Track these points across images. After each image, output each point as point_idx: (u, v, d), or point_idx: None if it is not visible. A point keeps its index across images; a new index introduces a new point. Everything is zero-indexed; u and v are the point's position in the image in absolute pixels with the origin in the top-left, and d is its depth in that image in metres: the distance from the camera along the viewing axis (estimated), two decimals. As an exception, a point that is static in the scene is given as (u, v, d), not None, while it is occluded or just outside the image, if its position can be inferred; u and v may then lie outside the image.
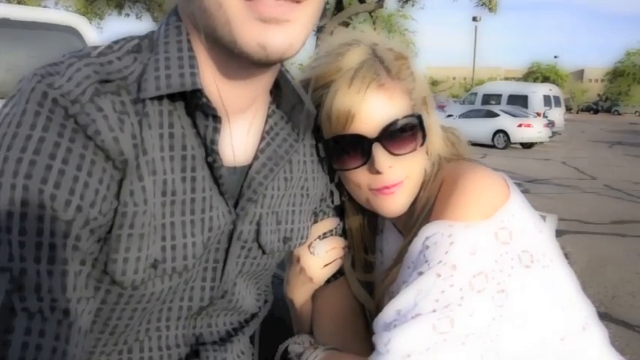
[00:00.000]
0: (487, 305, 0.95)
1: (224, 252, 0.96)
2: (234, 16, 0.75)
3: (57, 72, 0.76)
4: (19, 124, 0.72)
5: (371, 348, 0.99)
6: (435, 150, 1.15)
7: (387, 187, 1.09)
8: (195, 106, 0.84)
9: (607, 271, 5.78)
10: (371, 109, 1.05)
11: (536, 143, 20.89)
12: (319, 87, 1.08)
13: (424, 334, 0.92)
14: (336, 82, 1.06)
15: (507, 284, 0.97)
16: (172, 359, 0.98)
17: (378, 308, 1.07)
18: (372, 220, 1.28)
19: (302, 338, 1.24)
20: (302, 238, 1.11)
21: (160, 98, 0.82)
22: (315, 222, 1.19)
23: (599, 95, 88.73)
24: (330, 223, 1.22)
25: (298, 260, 1.20)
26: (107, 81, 0.78)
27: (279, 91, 1.00)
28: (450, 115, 22.55)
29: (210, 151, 0.86)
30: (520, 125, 20.08)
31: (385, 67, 1.07)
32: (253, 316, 1.13)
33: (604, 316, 4.43)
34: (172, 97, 0.83)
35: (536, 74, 75.80)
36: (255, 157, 0.95)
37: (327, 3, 14.58)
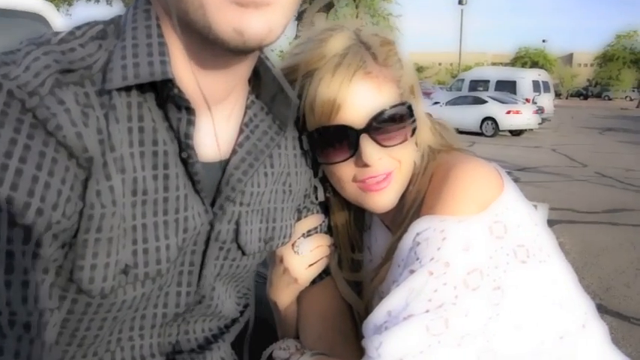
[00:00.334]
0: (483, 304, 0.94)
1: (201, 254, 0.93)
2: None
3: (13, 61, 0.72)
4: None
5: (360, 352, 0.98)
6: (424, 141, 1.14)
7: (376, 182, 1.07)
8: (167, 97, 0.80)
9: (601, 261, 5.85)
10: (357, 98, 1.03)
11: (525, 130, 21.07)
12: (302, 75, 1.06)
13: (417, 336, 0.91)
14: (319, 70, 1.03)
15: (503, 281, 0.96)
16: None
17: (368, 309, 1.06)
18: (359, 216, 1.26)
19: (287, 343, 1.22)
20: (285, 237, 1.09)
21: (127, 89, 0.79)
22: (299, 219, 1.17)
23: (588, 80, 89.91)
24: (314, 220, 1.20)
25: (281, 260, 1.18)
26: (69, 71, 0.74)
27: (259, 80, 0.97)
28: (436, 103, 22.64)
29: (184, 146, 0.83)
30: (509, 112, 20.23)
31: (372, 53, 1.06)
32: (234, 321, 1.11)
33: (599, 308, 4.40)
34: (142, 88, 0.80)
35: (525, 59, 76.51)
36: (234, 152, 0.92)
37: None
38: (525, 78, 26.20)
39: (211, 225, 0.92)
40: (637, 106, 51.78)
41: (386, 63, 1.06)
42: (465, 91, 25.72)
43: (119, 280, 0.80)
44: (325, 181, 1.18)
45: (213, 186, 0.91)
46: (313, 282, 1.22)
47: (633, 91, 75.64)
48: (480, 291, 0.93)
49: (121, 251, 0.80)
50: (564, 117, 31.76)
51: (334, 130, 1.05)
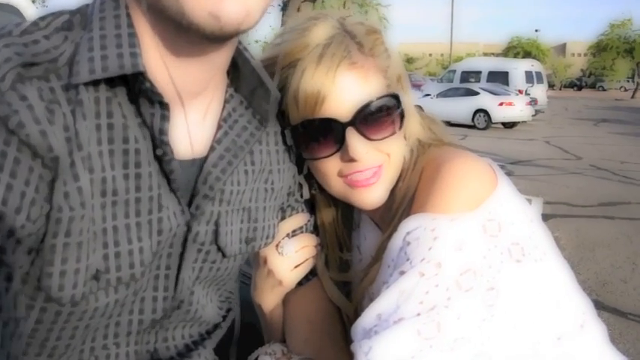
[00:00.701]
0: (476, 305, 0.93)
1: (178, 257, 0.91)
2: None
3: None
4: None
5: (349, 356, 0.96)
6: (413, 134, 1.13)
7: (364, 177, 1.06)
8: (139, 91, 0.78)
9: (597, 256, 5.89)
10: (343, 90, 1.01)
11: (518, 122, 21.21)
12: (284, 66, 1.04)
13: (408, 340, 0.89)
14: (302, 61, 1.02)
15: (497, 281, 0.94)
16: None
17: (358, 311, 1.04)
18: (347, 213, 1.25)
19: (273, 347, 1.21)
20: (267, 238, 1.07)
21: (95, 84, 0.76)
22: (283, 219, 1.16)
23: (582, 70, 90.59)
24: (299, 219, 1.18)
25: (265, 262, 1.16)
26: (32, 64, 0.72)
27: (238, 71, 0.95)
28: (427, 95, 22.75)
29: (158, 143, 0.80)
30: (501, 104, 20.35)
31: (357, 42, 1.04)
32: (216, 326, 1.09)
33: (595, 304, 4.43)
34: (111, 82, 0.77)
35: (517, 49, 76.83)
36: (211, 149, 0.90)
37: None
38: (518, 69, 26.37)
39: (188, 226, 0.90)
40: (632, 97, 52.25)
41: (372, 53, 1.05)
42: (456, 83, 25.85)
43: (90, 286, 0.79)
44: (310, 178, 1.16)
45: (190, 185, 0.89)
46: (299, 284, 1.20)
47: (628, 81, 76.36)
48: (473, 292, 0.92)
49: (92, 256, 0.77)
50: (558, 108, 32.00)
51: (319, 123, 1.03)
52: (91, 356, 0.90)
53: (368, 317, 0.95)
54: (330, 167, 1.07)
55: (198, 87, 0.86)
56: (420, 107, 1.19)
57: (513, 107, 20.52)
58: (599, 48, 69.14)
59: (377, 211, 1.13)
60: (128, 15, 0.78)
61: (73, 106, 0.74)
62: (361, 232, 1.25)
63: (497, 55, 78.27)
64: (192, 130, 0.88)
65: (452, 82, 26.67)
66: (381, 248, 1.06)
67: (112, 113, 0.78)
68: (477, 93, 21.16)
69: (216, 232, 0.94)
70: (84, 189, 0.75)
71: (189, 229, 0.90)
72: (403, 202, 1.07)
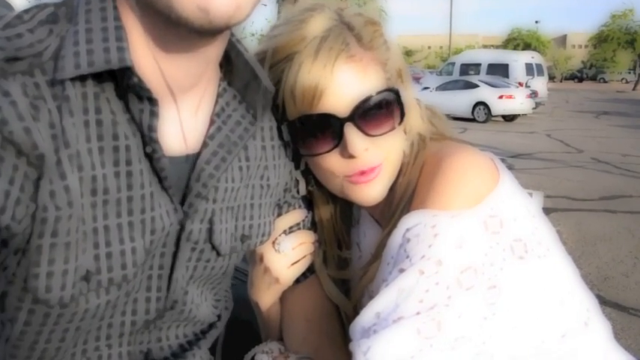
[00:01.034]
0: (477, 304, 0.92)
1: (171, 256, 0.90)
2: None
3: None
4: None
5: (348, 355, 0.95)
6: (414, 129, 1.11)
7: (363, 173, 1.04)
8: (127, 87, 0.76)
9: (598, 250, 5.90)
10: (341, 84, 1.00)
11: (518, 115, 21.21)
12: (280, 60, 1.03)
13: (408, 340, 0.88)
14: (299, 54, 1.00)
15: (499, 279, 0.93)
16: None
17: (357, 309, 1.03)
18: (346, 209, 1.24)
19: (270, 346, 1.20)
20: (263, 235, 1.06)
21: (82, 79, 0.75)
22: (280, 215, 1.14)
23: (583, 62, 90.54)
24: (296, 215, 1.17)
25: (262, 259, 1.15)
26: (16, 59, 0.70)
27: (230, 65, 0.93)
28: (426, 88, 22.73)
29: (148, 140, 0.79)
30: (501, 96, 20.32)
31: (355, 34, 1.03)
32: (211, 326, 1.09)
33: (597, 299, 4.46)
34: (99, 77, 0.76)
35: (517, 41, 76.89)
36: (204, 145, 0.89)
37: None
38: (518, 61, 26.35)
39: (182, 225, 0.89)
40: (633, 89, 52.26)
41: (371, 45, 1.04)
42: (455, 76, 25.84)
43: (80, 287, 0.77)
44: (308, 174, 1.15)
45: (183, 182, 0.88)
46: (297, 281, 1.20)
47: (629, 72, 76.41)
48: (474, 290, 0.91)
49: (81, 256, 0.76)
50: (559, 101, 32.01)
51: (316, 118, 1.01)
52: (82, 358, 0.89)
53: (367, 316, 0.94)
54: (329, 163, 1.06)
55: (190, 81, 0.85)
56: (418, 101, 1.18)
57: (513, 100, 20.50)
58: (600, 39, 69.17)
59: (377, 207, 1.11)
60: (115, 8, 0.76)
61: (59, 102, 0.73)
62: (361, 228, 1.24)
63: (497, 47, 78.33)
64: (185, 125, 0.87)
65: (451, 74, 26.67)
66: (381, 245, 1.05)
67: (101, 109, 0.77)
68: (476, 86, 21.13)
69: (210, 231, 0.93)
70: (72, 187, 0.73)
71: (182, 227, 0.89)
72: (403, 197, 1.06)
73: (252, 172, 1.00)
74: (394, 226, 1.00)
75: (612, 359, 1.06)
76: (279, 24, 1.08)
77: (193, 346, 1.03)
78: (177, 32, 0.75)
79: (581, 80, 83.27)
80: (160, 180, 0.83)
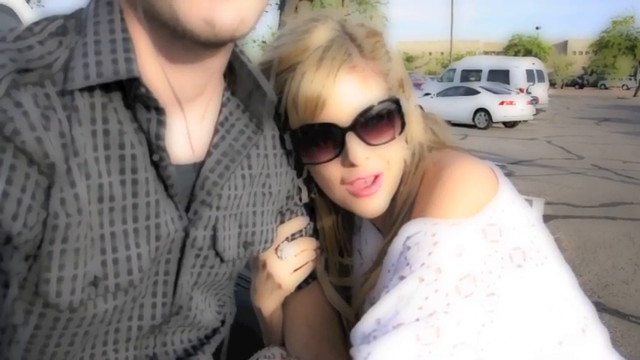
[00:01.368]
0: (476, 311, 0.93)
1: (176, 263, 0.91)
2: None
3: None
4: None
5: (349, 361, 0.96)
6: (415, 138, 1.12)
7: (365, 185, 1.06)
8: (135, 97, 0.78)
9: (598, 257, 5.89)
10: (343, 94, 1.01)
11: (519, 122, 21.15)
12: (283, 70, 1.04)
13: (407, 346, 0.90)
14: (302, 64, 1.02)
15: (498, 287, 0.95)
16: None
17: (359, 316, 1.04)
18: (348, 217, 1.25)
19: (273, 351, 1.21)
20: (266, 242, 1.07)
21: (90, 89, 0.77)
22: (282, 222, 1.16)
23: (584, 68, 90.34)
24: (298, 222, 1.18)
25: (264, 265, 1.16)
26: (27, 70, 0.72)
27: (234, 75, 0.95)
28: (427, 94, 22.68)
29: (155, 148, 0.81)
30: (502, 103, 20.29)
31: (357, 45, 1.04)
32: (215, 331, 1.10)
33: (597, 306, 4.40)
34: (107, 88, 0.78)
35: (518, 47, 76.82)
36: (208, 154, 0.91)
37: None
38: (519, 67, 26.28)
39: (186, 231, 0.90)
40: (634, 95, 52.16)
41: (373, 56, 1.05)
42: (456, 82, 25.78)
43: (88, 292, 0.79)
44: (310, 182, 1.16)
45: (187, 190, 0.89)
46: (299, 287, 1.21)
47: (630, 79, 76.22)
48: (473, 298, 0.92)
49: (89, 262, 0.78)
50: (559, 107, 31.94)
51: (318, 128, 1.03)
52: None
53: (367, 322, 0.95)
54: (330, 172, 1.07)
55: (195, 92, 0.87)
56: (420, 107, 1.19)
57: (514, 106, 20.46)
58: (601, 45, 69.07)
59: (378, 215, 1.13)
60: (123, 20, 0.78)
61: (69, 112, 0.74)
62: (362, 236, 1.25)
63: (498, 53, 78.17)
64: (191, 133, 0.88)
65: (452, 80, 26.61)
66: (382, 252, 1.06)
67: (108, 119, 0.78)
68: (477, 92, 21.11)
69: (214, 237, 0.94)
70: (81, 195, 0.75)
71: (187, 234, 0.90)
72: (404, 206, 1.07)
73: (255, 180, 1.02)
74: (395, 233, 1.01)
75: (610, 366, 1.07)
76: (283, 34, 1.09)
77: (198, 351, 1.04)
78: (183, 44, 0.76)
79: (582, 87, 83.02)
80: (166, 187, 0.84)
